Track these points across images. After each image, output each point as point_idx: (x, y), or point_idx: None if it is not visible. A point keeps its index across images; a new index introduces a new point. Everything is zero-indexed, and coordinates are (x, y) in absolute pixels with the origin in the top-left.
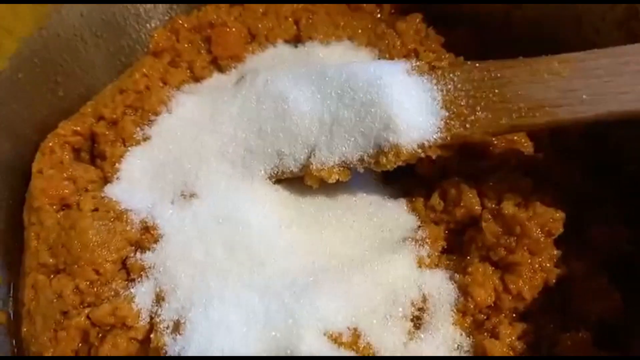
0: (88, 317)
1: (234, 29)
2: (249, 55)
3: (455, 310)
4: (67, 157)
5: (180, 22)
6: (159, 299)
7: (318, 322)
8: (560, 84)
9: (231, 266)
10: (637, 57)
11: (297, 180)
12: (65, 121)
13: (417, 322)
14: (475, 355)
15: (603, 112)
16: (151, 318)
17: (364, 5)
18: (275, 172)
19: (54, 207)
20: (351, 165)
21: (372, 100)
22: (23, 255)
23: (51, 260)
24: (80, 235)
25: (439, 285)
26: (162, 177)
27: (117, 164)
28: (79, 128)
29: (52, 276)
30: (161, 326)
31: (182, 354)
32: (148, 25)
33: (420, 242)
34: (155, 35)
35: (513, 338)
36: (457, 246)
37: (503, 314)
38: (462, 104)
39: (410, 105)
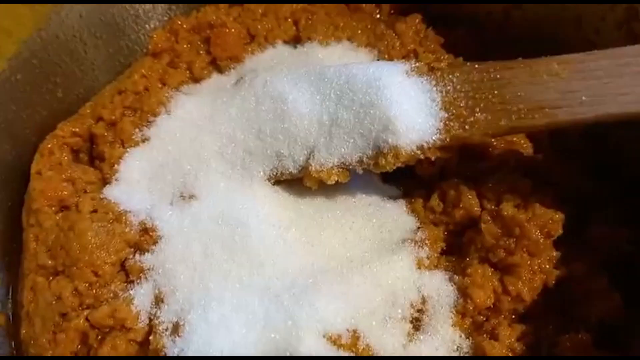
0: (87, 319)
1: (233, 30)
2: (248, 56)
3: (454, 312)
4: (66, 158)
5: (179, 22)
6: (158, 300)
7: (317, 323)
8: (560, 85)
9: (230, 267)
10: (637, 59)
11: (296, 182)
12: (64, 122)
13: (417, 323)
14: (475, 356)
15: (602, 114)
16: (150, 320)
17: (364, 5)
18: (275, 173)
19: (53, 208)
20: (350, 167)
21: (371, 102)
22: (22, 256)
23: (50, 262)
24: (79, 237)
25: (438, 287)
26: (161, 178)
27: (116, 165)
28: (77, 129)
29: (51, 278)
30: (160, 328)
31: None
32: (147, 26)
33: (419, 243)
34: (154, 36)
35: (512, 339)
36: (456, 247)
37: (502, 316)
38: (461, 105)
39: (410, 106)
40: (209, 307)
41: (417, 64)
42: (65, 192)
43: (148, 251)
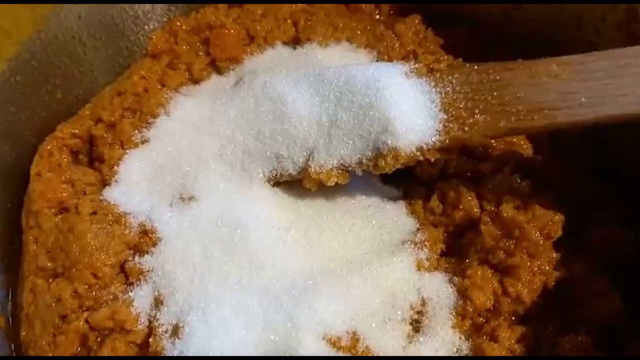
0: (87, 321)
1: (232, 31)
2: (247, 57)
3: (454, 314)
4: (65, 160)
5: (179, 24)
6: (158, 302)
7: (317, 325)
8: (559, 86)
9: (230, 269)
10: (636, 60)
11: (296, 183)
12: (64, 124)
13: (416, 325)
14: (475, 356)
15: (602, 115)
16: (150, 322)
17: (363, 6)
18: (274, 174)
19: (52, 210)
20: (350, 168)
21: (371, 103)
22: (22, 258)
23: (49, 264)
24: (78, 238)
25: (438, 289)
26: (161, 179)
27: (115, 167)
28: (77, 131)
29: (50, 280)
30: (160, 330)
31: None
32: (146, 27)
33: (419, 244)
34: (154, 37)
35: (512, 341)
36: (456, 249)
37: (502, 317)
38: (460, 106)
39: (409, 107)
40: (208, 309)
41: (416, 65)
42: (65, 194)
43: (147, 253)
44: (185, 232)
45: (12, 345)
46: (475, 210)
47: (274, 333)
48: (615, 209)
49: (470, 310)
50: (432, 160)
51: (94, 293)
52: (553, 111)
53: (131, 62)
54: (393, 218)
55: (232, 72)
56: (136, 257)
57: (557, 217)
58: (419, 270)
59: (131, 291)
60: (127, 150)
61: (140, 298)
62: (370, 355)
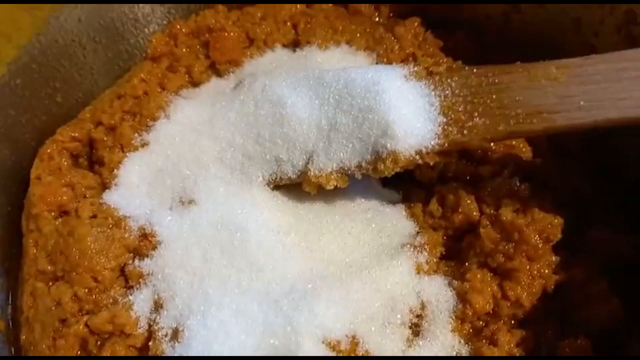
0: (86, 324)
1: (232, 34)
2: (247, 59)
3: (453, 317)
4: (65, 163)
5: (179, 27)
6: (158, 306)
7: (316, 329)
8: (558, 89)
9: (229, 273)
10: (635, 63)
11: (295, 187)
12: (64, 127)
13: (416, 329)
14: (473, 356)
15: (601, 119)
16: (149, 325)
17: (363, 9)
18: (274, 178)
19: (52, 213)
20: (349, 172)
21: (370, 106)
22: (22, 262)
23: (49, 267)
24: (78, 242)
25: (438, 292)
26: (161, 183)
27: (115, 170)
28: (77, 134)
29: (50, 283)
30: (159, 334)
31: None
32: (146, 30)
33: (418, 248)
34: (154, 40)
35: (512, 345)
36: (455, 252)
37: (502, 321)
38: (459, 109)
39: (408, 111)
40: (208, 313)
41: (415, 68)
42: (65, 197)
43: (147, 256)
44: (185, 235)
45: (12, 349)
46: (474, 213)
47: (273, 337)
48: (615, 211)
49: (470, 313)
50: (432, 163)
51: (93, 296)
52: (552, 114)
53: (131, 65)
54: (392, 221)
55: (232, 75)
56: (136, 261)
57: (556, 221)
58: (418, 273)
59: (131, 295)
60: (127, 154)
61: (140, 302)
62: None
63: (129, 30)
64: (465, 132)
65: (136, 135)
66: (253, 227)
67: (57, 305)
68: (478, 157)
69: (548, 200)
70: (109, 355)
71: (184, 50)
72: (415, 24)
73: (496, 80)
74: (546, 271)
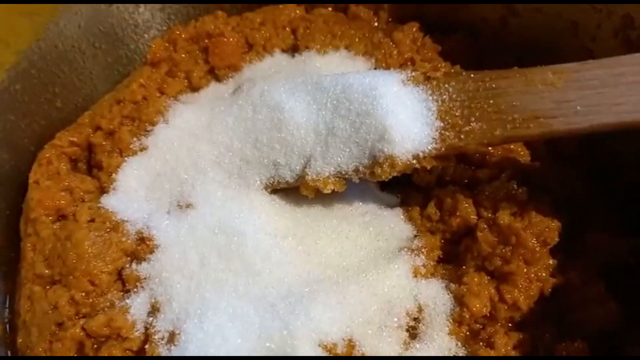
0: (83, 328)
1: (231, 39)
2: (246, 64)
3: (450, 320)
4: (64, 167)
5: (178, 32)
6: (154, 309)
7: (313, 332)
8: (555, 94)
9: (227, 277)
10: (632, 68)
11: (293, 190)
12: (63, 132)
13: (413, 332)
14: (471, 356)
15: (598, 124)
16: (146, 329)
17: (361, 14)
18: (271, 182)
19: (50, 218)
20: (346, 176)
21: (367, 111)
22: (20, 265)
23: (47, 271)
24: (75, 246)
25: (435, 295)
26: (159, 187)
27: (113, 175)
28: (75, 139)
29: (47, 287)
30: (156, 337)
31: None
32: (146, 35)
33: (416, 251)
34: (153, 45)
35: (509, 347)
36: (452, 256)
37: (499, 324)
38: (457, 114)
39: (405, 116)
40: (204, 317)
41: (413, 73)
42: (63, 202)
43: (145, 260)
44: (183, 239)
45: (9, 352)
46: (472, 217)
47: (269, 340)
48: (612, 214)
49: (467, 316)
50: (429, 167)
51: (90, 300)
52: (548, 119)
53: (130, 70)
54: (390, 225)
55: (231, 80)
56: (133, 265)
57: (553, 224)
58: (415, 277)
59: (128, 298)
60: (126, 158)
61: (137, 305)
62: None
63: (129, 36)
64: (462, 136)
65: (135, 139)
66: (250, 231)
67: (54, 308)
68: (476, 161)
69: (545, 203)
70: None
71: (183, 55)
72: (414, 29)
73: (493, 85)
74: (543, 274)
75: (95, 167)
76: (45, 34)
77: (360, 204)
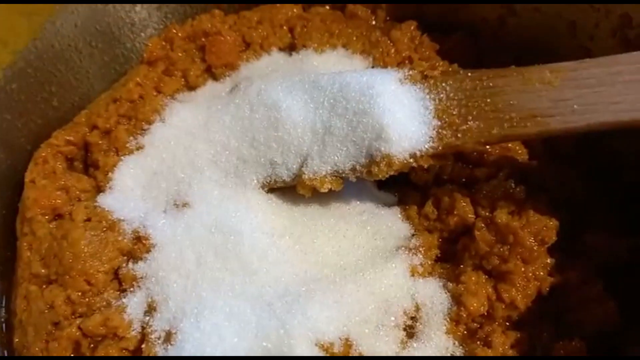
0: (79, 327)
1: (228, 38)
2: (243, 63)
3: (448, 319)
4: (60, 166)
5: (175, 31)
6: (151, 309)
7: (309, 332)
8: (552, 93)
9: (223, 276)
10: (629, 67)
11: (290, 189)
12: (59, 131)
13: (410, 331)
14: (468, 356)
15: (594, 122)
16: (143, 328)
17: (359, 12)
18: (268, 181)
19: (47, 217)
20: (343, 175)
21: (364, 110)
22: (16, 265)
23: (43, 270)
24: (72, 245)
25: (432, 294)
26: (155, 186)
27: (110, 174)
28: (72, 138)
29: (44, 286)
30: (152, 336)
31: None
32: (142, 34)
33: (413, 250)
34: (150, 44)
35: (506, 347)
36: (450, 255)
37: (496, 323)
38: (454, 113)
39: (403, 114)
40: (201, 316)
41: (410, 72)
42: (59, 201)
43: (141, 259)
44: (179, 238)
45: (5, 352)
46: (469, 215)
47: (266, 340)
48: (611, 214)
49: (464, 315)
50: (426, 166)
51: (87, 300)
52: (546, 118)
53: (127, 69)
54: (388, 224)
55: (228, 78)
56: (130, 264)
57: (551, 223)
58: (413, 276)
59: (124, 298)
60: (122, 157)
61: (134, 304)
62: None
63: (126, 35)
64: (459, 135)
65: (131, 138)
66: (247, 230)
67: (50, 308)
68: (474, 160)
69: (543, 202)
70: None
71: (180, 54)
72: (412, 27)
73: (490, 84)
74: (541, 273)
75: (91, 166)
76: (42, 33)
77: (358, 202)
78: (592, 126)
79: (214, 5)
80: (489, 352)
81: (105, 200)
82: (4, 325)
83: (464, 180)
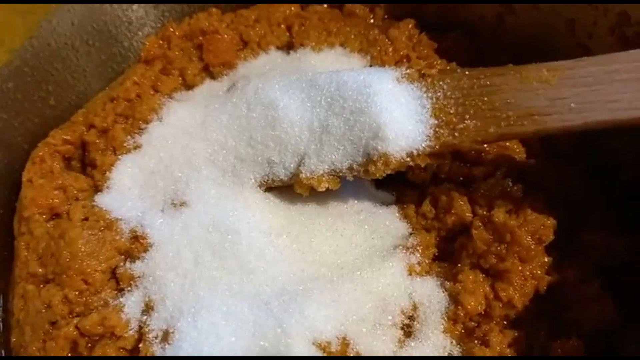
0: (77, 327)
1: (225, 36)
2: (241, 62)
3: (445, 318)
4: (57, 166)
5: (172, 29)
6: (148, 308)
7: (307, 331)
8: (549, 92)
9: (221, 275)
10: (626, 65)
11: (287, 188)
12: (56, 130)
13: (408, 330)
14: (465, 356)
15: (592, 121)
16: (140, 328)
17: (357, 11)
18: (266, 180)
19: (44, 216)
20: (341, 174)
21: (362, 109)
22: (13, 264)
23: (40, 270)
24: (69, 245)
25: (430, 293)
26: (153, 185)
27: (107, 173)
28: (69, 137)
29: (41, 286)
30: (150, 336)
31: None
32: (140, 32)
33: (411, 249)
34: (147, 43)
35: (504, 345)
36: (448, 253)
37: (494, 322)
38: (451, 112)
39: (400, 113)
40: (198, 315)
41: (407, 71)
42: (57, 200)
43: (139, 259)
44: (177, 237)
45: (3, 352)
46: (467, 214)
47: (263, 339)
48: (608, 212)
49: (462, 314)
50: (423, 165)
51: (84, 299)
52: (543, 117)
53: (124, 67)
54: (385, 223)
55: (225, 77)
56: (127, 263)
57: (548, 222)
58: (410, 274)
59: (122, 297)
60: (120, 156)
61: (131, 304)
62: None
63: (123, 33)
64: (456, 134)
65: (129, 137)
66: (244, 229)
67: (48, 307)
68: (471, 158)
69: (541, 201)
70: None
71: (177, 53)
72: (410, 25)
73: (488, 83)
74: (538, 272)
75: (89, 165)
76: (38, 32)
77: (355, 201)
78: (589, 124)
79: (211, 4)
80: (487, 351)
81: (103, 200)
82: (1, 324)
83: (461, 179)
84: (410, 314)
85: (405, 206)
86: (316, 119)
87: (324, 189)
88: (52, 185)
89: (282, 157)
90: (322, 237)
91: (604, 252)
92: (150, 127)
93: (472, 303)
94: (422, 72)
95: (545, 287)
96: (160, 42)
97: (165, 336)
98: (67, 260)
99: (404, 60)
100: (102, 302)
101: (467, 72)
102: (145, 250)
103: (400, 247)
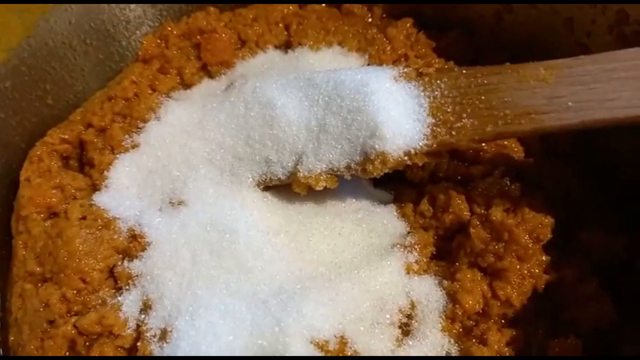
0: (75, 325)
1: (223, 35)
2: (239, 61)
3: (443, 317)
4: (55, 165)
5: (170, 28)
6: (146, 307)
7: (305, 329)
8: (546, 90)
9: (218, 274)
10: (624, 64)
11: (285, 187)
12: (54, 129)
13: (405, 329)
14: (463, 356)
15: (589, 120)
16: (138, 326)
17: (355, 10)
18: (263, 179)
19: (42, 215)
20: (338, 173)
21: (359, 108)
22: (11, 263)
23: (38, 268)
24: (67, 243)
25: (428, 292)
26: (151, 184)
27: (105, 172)
28: (67, 136)
29: (39, 285)
30: (148, 335)
31: None
32: (137, 32)
33: (409, 248)
34: (145, 42)
35: (502, 344)
36: (445, 252)
37: (492, 320)
38: (448, 110)
39: (397, 112)
40: (196, 314)
41: (405, 70)
42: (54, 199)
43: (136, 257)
44: (175, 236)
45: (1, 350)
46: (465, 213)
47: (261, 337)
48: (606, 211)
49: (460, 313)
50: (420, 164)
51: (82, 298)
52: (540, 115)
53: (122, 67)
54: (383, 221)
55: (223, 76)
56: (125, 262)
57: (546, 220)
58: (408, 273)
59: (120, 296)
60: (118, 155)
61: (129, 303)
62: None
63: (120, 32)
64: (453, 133)
65: (126, 136)
66: (242, 228)
67: (46, 306)
68: (469, 157)
69: (539, 200)
70: (97, 355)
71: (175, 52)
72: (408, 24)
73: (485, 81)
74: (536, 271)
75: (86, 164)
76: (36, 31)
77: (353, 200)
78: (586, 123)
79: (209, 3)
80: (485, 350)
81: (101, 199)
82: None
83: (459, 177)
84: (408, 313)
85: (403, 205)
86: (314, 118)
87: (321, 188)
88: (50, 184)
89: (280, 156)
90: (320, 236)
91: (602, 251)
92: (148, 126)
93: (470, 302)
94: (420, 70)
95: (543, 286)
96: (158, 41)
97: (163, 335)
98: (65, 259)
99: (402, 59)
100: (100, 301)
101: (464, 71)
102: (143, 249)
103: (398, 245)
